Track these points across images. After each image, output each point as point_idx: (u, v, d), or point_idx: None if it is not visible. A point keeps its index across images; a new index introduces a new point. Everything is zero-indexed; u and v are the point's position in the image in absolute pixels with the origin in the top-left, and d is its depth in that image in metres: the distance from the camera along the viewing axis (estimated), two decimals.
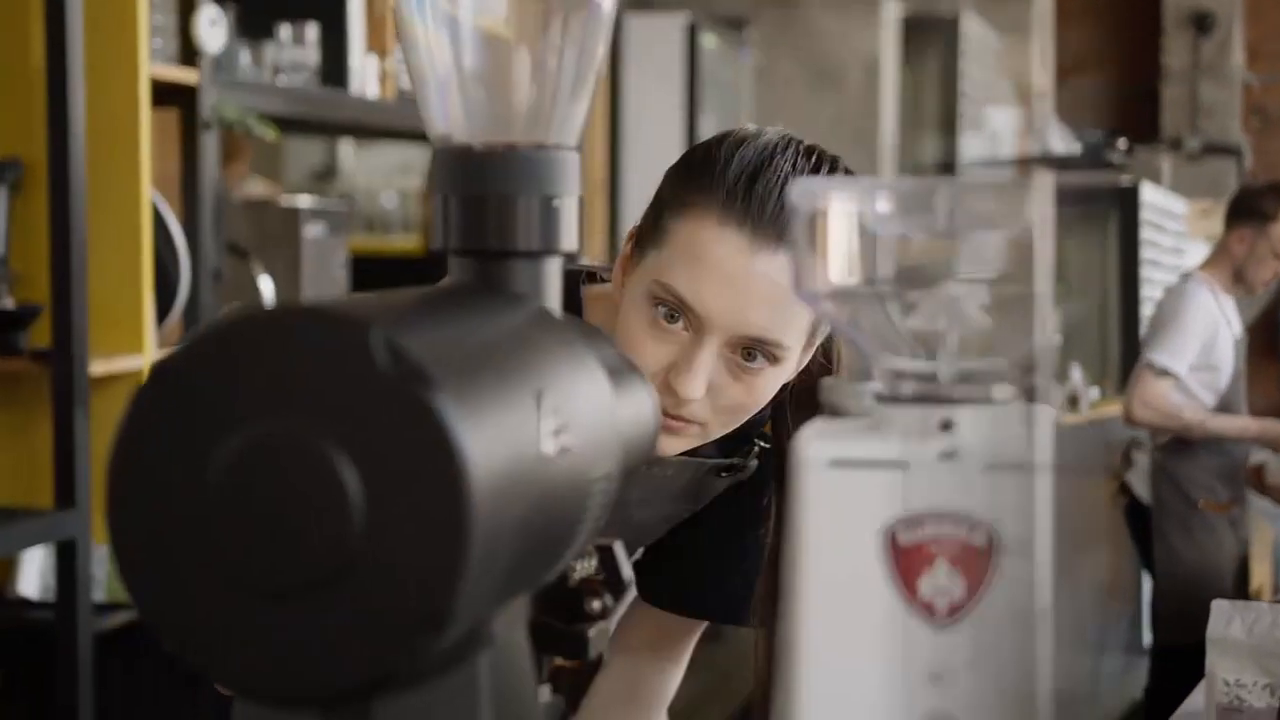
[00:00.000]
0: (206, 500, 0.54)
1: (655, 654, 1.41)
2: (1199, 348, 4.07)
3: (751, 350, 1.14)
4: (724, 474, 1.31)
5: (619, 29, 4.38)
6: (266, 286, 2.88)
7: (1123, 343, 5.98)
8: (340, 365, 0.53)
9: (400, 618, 0.53)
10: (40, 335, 2.30)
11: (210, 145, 2.65)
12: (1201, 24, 7.25)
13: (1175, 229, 6.35)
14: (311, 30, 3.04)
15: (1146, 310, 6.06)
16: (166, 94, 2.58)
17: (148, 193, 2.43)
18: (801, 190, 0.61)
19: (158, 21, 2.52)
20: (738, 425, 1.20)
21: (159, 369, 0.56)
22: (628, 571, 0.77)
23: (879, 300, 0.61)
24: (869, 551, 0.59)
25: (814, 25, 5.46)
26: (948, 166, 6.38)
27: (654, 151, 4.21)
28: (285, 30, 3.00)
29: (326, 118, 3.17)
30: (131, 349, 2.45)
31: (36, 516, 2.29)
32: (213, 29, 2.57)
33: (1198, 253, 6.48)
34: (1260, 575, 4.72)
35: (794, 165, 1.15)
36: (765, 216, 1.12)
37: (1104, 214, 6.07)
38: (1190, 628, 1.97)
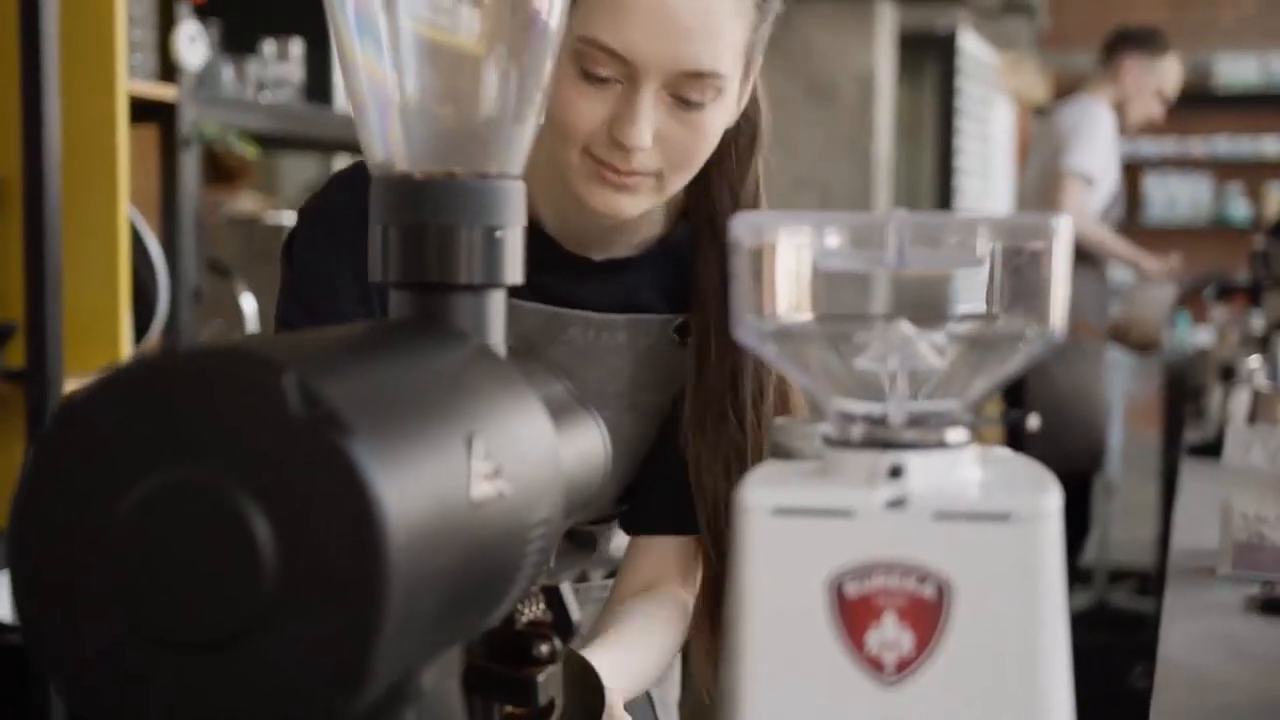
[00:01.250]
0: (112, 548, 0.51)
1: (677, 581, 1.35)
2: (1104, 158, 4.08)
3: (689, 95, 1.13)
4: (677, 336, 1.28)
5: None
6: (248, 305, 2.85)
7: (937, 192, 6.03)
8: (252, 410, 0.50)
9: (314, 676, 0.50)
10: (15, 355, 2.28)
11: (190, 162, 2.62)
12: None
13: (986, 79, 6.41)
14: (296, 46, 3.02)
15: (959, 161, 6.11)
16: (146, 110, 2.55)
17: (125, 210, 2.40)
18: (746, 224, 0.59)
19: (137, 37, 2.49)
20: (691, 176, 1.18)
21: (65, 408, 0.53)
22: (576, 613, 0.74)
23: (827, 339, 0.58)
24: (815, 603, 0.56)
25: (809, 42, 5.43)
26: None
27: None
28: (269, 46, 2.98)
29: (310, 134, 3.14)
30: (108, 369, 2.41)
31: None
32: (193, 45, 2.55)
33: (1003, 108, 6.46)
34: None
35: None
36: None
37: (920, 61, 6.10)
38: (1063, 456, 1.83)
